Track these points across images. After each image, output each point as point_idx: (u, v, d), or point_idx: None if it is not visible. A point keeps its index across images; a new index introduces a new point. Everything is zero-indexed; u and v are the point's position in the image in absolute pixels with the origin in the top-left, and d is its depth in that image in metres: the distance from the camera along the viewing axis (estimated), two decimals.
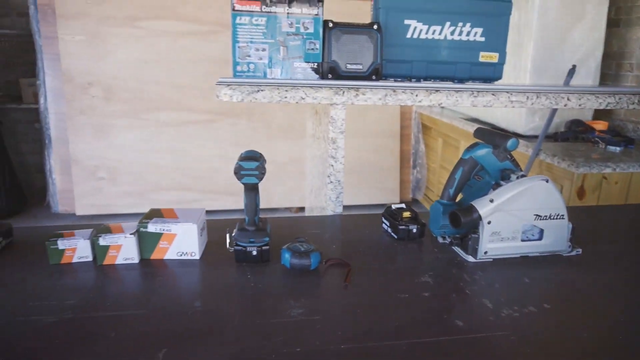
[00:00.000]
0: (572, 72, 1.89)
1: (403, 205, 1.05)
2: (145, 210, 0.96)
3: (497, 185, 0.92)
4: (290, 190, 3.14)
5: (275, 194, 3.11)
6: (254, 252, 0.88)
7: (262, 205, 0.85)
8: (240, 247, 0.88)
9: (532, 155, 1.86)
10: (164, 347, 0.64)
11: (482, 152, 0.95)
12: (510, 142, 0.92)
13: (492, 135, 0.97)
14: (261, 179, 0.84)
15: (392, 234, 1.02)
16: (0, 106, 3.33)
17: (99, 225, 0.93)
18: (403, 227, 0.99)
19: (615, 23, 2.23)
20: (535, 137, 2.02)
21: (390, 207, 1.06)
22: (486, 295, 0.79)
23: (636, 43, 2.15)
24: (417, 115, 3.25)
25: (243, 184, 0.85)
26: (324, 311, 0.73)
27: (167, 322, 0.70)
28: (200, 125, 3.13)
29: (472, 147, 0.97)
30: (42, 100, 3.06)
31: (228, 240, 0.91)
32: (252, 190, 0.86)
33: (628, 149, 1.90)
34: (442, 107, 3.12)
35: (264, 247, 0.88)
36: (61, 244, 0.88)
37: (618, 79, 2.24)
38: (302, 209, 3.21)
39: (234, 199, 3.04)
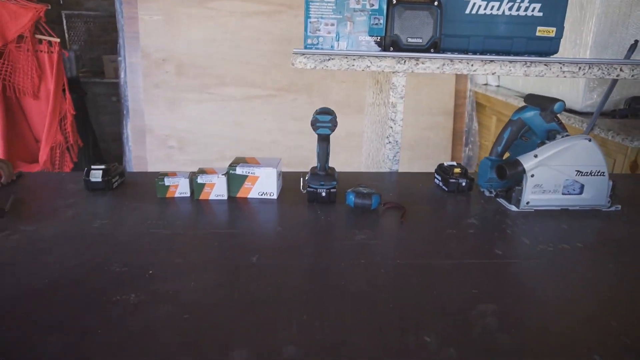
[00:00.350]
0: (633, 47, 1.89)
1: (454, 163, 1.17)
2: None
3: (543, 144, 1.02)
4: (345, 161, 3.28)
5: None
6: (324, 194, 1.03)
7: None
8: (312, 189, 1.04)
9: (586, 130, 1.89)
10: (256, 254, 0.81)
11: (530, 113, 1.05)
12: (557, 105, 1.02)
13: (541, 99, 1.06)
14: (333, 130, 0.99)
15: (444, 187, 1.15)
16: (85, 80, 3.68)
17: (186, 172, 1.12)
18: (453, 180, 1.12)
19: None
20: (592, 114, 2.04)
21: (443, 164, 1.18)
22: (525, 234, 0.91)
23: None
24: (471, 93, 3.28)
25: (317, 134, 1.00)
26: (382, 238, 0.88)
27: (255, 239, 0.87)
28: (262, 100, 3.33)
29: (521, 109, 1.07)
30: (122, 75, 3.37)
31: (302, 184, 1.07)
32: (324, 141, 1.01)
33: None
34: (498, 86, 3.13)
35: (332, 190, 1.03)
36: (167, 180, 1.08)
37: None
38: None
39: (291, 170, 3.24)
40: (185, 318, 0.62)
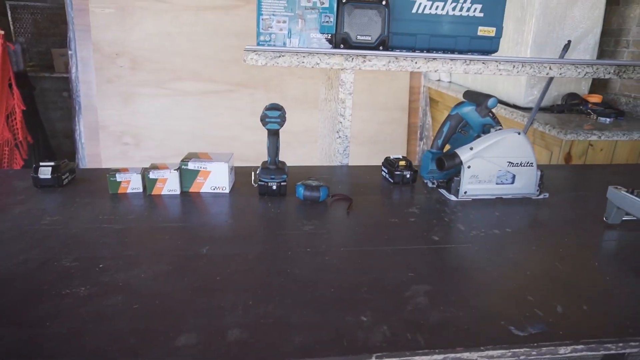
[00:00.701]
0: (566, 47, 2.02)
1: (400, 156, 1.24)
2: None
3: (478, 137, 1.10)
4: (303, 156, 3.33)
5: (289, 162, 3.32)
6: (274, 187, 1.07)
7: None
8: (262, 183, 1.07)
9: (527, 124, 2.02)
10: (206, 245, 0.84)
11: (467, 109, 1.13)
12: (490, 101, 1.10)
13: (477, 95, 1.14)
14: (282, 125, 1.03)
15: (389, 179, 1.21)
16: (34, 74, 3.55)
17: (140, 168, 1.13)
18: (398, 172, 1.18)
19: (615, 1, 2.34)
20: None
21: (389, 157, 1.25)
22: (461, 222, 0.98)
23: (633, 21, 2.26)
24: (425, 89, 3.40)
25: (267, 129, 1.04)
26: (329, 228, 0.93)
27: (206, 231, 0.90)
28: (219, 95, 3.32)
29: (459, 104, 1.15)
30: (73, 70, 3.27)
31: (253, 178, 1.10)
32: (274, 135, 1.05)
33: (618, 121, 2.04)
34: (450, 82, 3.26)
35: (282, 183, 1.07)
36: (119, 176, 1.09)
37: (615, 55, 2.36)
38: None
39: (250, 165, 3.25)
40: (136, 307, 0.65)
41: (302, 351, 0.57)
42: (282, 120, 1.02)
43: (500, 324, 0.63)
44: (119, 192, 1.09)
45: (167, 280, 0.72)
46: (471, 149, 1.06)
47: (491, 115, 1.13)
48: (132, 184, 1.09)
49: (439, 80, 3.33)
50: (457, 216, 1.01)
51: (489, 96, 1.11)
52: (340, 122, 1.35)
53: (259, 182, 1.08)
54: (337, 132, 1.36)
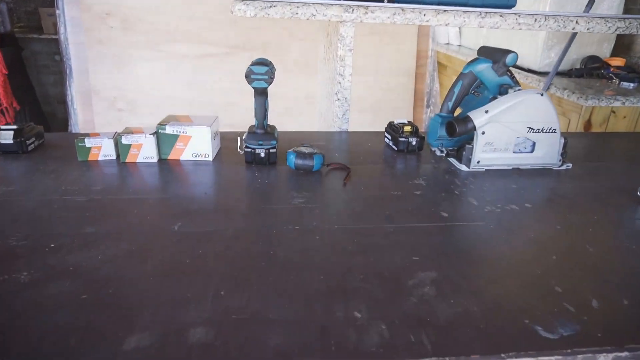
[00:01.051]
0: (591, 3, 1.84)
1: (405, 121, 1.10)
2: None
3: (494, 99, 0.97)
4: (304, 123, 3.18)
5: (288, 129, 3.17)
6: (262, 154, 0.95)
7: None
8: (249, 149, 0.95)
9: (544, 89, 1.86)
10: (179, 221, 0.72)
11: (482, 66, 0.99)
12: (510, 57, 0.95)
13: (493, 51, 1.00)
14: (270, 83, 0.90)
15: (393, 146, 1.08)
16: (22, 35, 3.39)
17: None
18: (403, 139, 1.05)
19: None
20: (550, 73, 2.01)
21: (393, 122, 1.11)
22: (473, 195, 0.86)
23: None
24: (433, 53, 3.21)
25: (253, 88, 0.90)
26: (322, 202, 0.81)
27: (182, 204, 0.79)
28: (217, 58, 3.15)
29: (473, 61, 1.00)
30: (62, 30, 3.10)
31: (239, 144, 0.98)
32: (261, 95, 0.92)
33: None
34: (459, 45, 3.08)
35: (271, 150, 0.95)
36: (88, 142, 0.96)
37: None
38: None
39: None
40: (84, 298, 0.54)
41: (278, 357, 0.46)
42: (270, 77, 0.89)
43: (524, 322, 0.52)
44: (89, 159, 0.98)
45: (126, 264, 0.61)
46: (486, 112, 0.93)
47: (509, 74, 0.99)
48: (104, 150, 0.97)
49: (447, 43, 3.14)
50: (469, 189, 0.89)
51: (507, 51, 0.97)
52: (340, 83, 1.21)
53: (245, 149, 0.96)
54: (336, 93, 1.23)
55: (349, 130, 1.30)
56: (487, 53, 1.00)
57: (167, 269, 0.60)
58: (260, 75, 0.88)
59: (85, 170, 0.92)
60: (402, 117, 3.26)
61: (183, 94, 3.18)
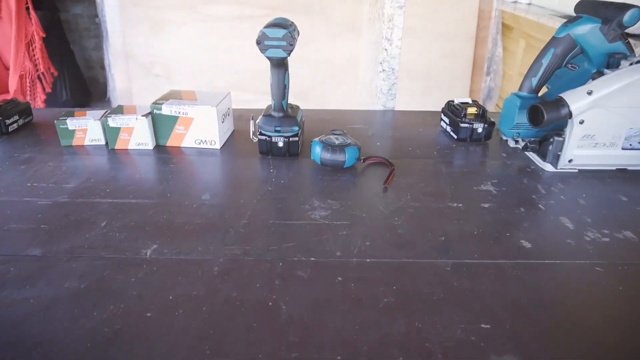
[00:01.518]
0: None
1: (468, 100, 0.85)
2: None
3: (600, 74, 0.70)
4: (347, 92, 2.91)
5: (332, 98, 2.90)
6: (280, 143, 0.74)
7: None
8: (264, 137, 0.74)
9: None
10: (154, 243, 0.53)
11: (585, 28, 0.71)
12: (629, 14, 0.68)
13: (601, 5, 0.72)
14: (289, 51, 0.67)
15: (452, 133, 0.84)
16: None
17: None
18: (466, 125, 0.81)
19: None
20: None
21: (452, 101, 0.86)
22: (566, 212, 0.61)
23: None
24: (497, 13, 2.82)
25: (267, 57, 0.69)
26: (352, 217, 0.59)
27: (167, 213, 0.60)
28: (256, 20, 2.92)
29: (571, 21, 0.73)
30: None
31: (252, 129, 0.77)
32: (278, 67, 0.70)
33: None
34: (529, 4, 2.68)
35: (291, 138, 0.74)
36: (71, 123, 0.79)
37: None
38: None
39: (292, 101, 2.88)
40: None
41: None
42: (289, 42, 0.66)
43: None
44: (73, 144, 0.80)
45: (60, 315, 0.43)
46: (589, 93, 0.66)
47: (624, 39, 0.71)
48: (90, 134, 0.80)
49: (515, 1, 2.74)
50: (558, 201, 0.64)
51: (624, 6, 0.69)
52: (386, 50, 0.96)
53: (259, 136, 0.75)
54: (381, 63, 0.98)
55: (395, 108, 1.06)
56: (593, 9, 0.72)
57: (117, 326, 0.41)
58: (276, 40, 0.66)
59: (65, 159, 0.75)
60: (457, 86, 2.92)
61: (221, 60, 2.99)
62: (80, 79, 3.31)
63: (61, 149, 0.79)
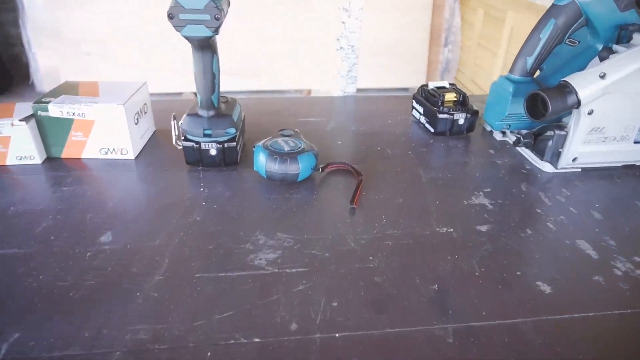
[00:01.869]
0: None
1: (445, 84, 0.70)
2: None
3: (609, 51, 0.56)
4: (305, 71, 2.69)
5: (288, 75, 2.66)
6: (212, 151, 0.56)
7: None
8: (190, 144, 0.56)
9: None
10: (16, 330, 0.36)
11: None
12: None
13: None
14: (216, 28, 0.49)
15: (428, 125, 0.69)
16: None
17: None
18: (444, 115, 0.66)
19: None
20: None
21: (426, 85, 0.71)
22: (582, 232, 0.48)
23: None
24: None
25: (185, 37, 0.50)
26: (313, 259, 0.44)
27: (44, 271, 0.41)
28: None
29: None
30: None
31: (174, 133, 0.59)
32: (203, 49, 0.52)
33: None
34: None
35: (227, 144, 0.56)
36: None
37: None
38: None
39: (240, 83, 2.63)
40: None
41: None
42: (214, 15, 0.48)
43: None
44: None
45: None
46: (602, 76, 0.53)
47: (638, 7, 0.57)
48: None
49: None
50: (569, 215, 0.51)
51: None
52: (344, 23, 0.79)
53: (184, 142, 0.57)
54: (338, 39, 0.81)
55: (356, 91, 0.89)
56: None
57: None
58: (196, 13, 0.48)
59: None
60: (415, 57, 2.77)
61: (162, 32, 2.66)
62: None
63: None
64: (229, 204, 0.51)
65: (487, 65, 2.34)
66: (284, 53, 2.48)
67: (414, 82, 2.82)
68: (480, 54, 2.45)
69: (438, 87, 0.70)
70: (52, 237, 0.46)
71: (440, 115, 0.66)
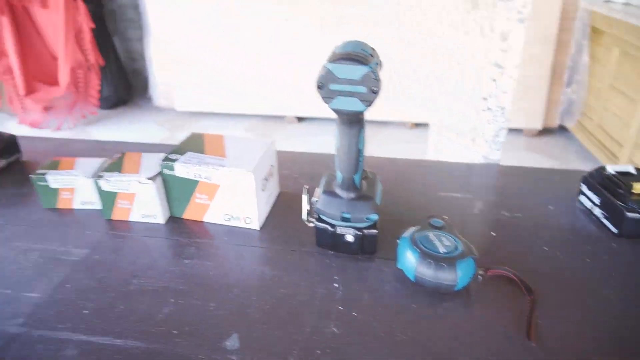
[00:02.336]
0: None
1: (630, 169, 0.56)
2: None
3: None
4: (408, 99, 2.56)
5: (385, 103, 2.55)
6: (349, 237, 0.48)
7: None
8: (324, 226, 0.48)
9: None
10: None
11: None
12: None
13: None
14: (370, 102, 0.41)
15: (607, 222, 0.55)
16: None
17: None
18: (635, 215, 0.52)
19: None
20: None
21: (604, 168, 0.58)
22: None
23: None
24: (585, 13, 2.42)
25: (334, 110, 0.43)
26: None
27: None
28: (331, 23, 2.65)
29: None
30: None
31: (305, 208, 0.51)
32: (351, 124, 0.44)
33: None
34: (626, 4, 2.27)
35: (367, 232, 0.48)
36: (53, 179, 0.56)
37: None
38: (419, 125, 2.70)
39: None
40: None
41: None
42: (370, 88, 0.40)
43: None
44: (58, 206, 0.58)
45: None
46: None
47: None
48: (80, 195, 0.57)
49: (608, 1, 2.34)
50: None
51: None
52: (495, 81, 0.68)
53: (316, 222, 0.49)
54: (485, 98, 0.70)
55: (500, 160, 0.77)
56: None
57: None
58: (350, 85, 0.40)
59: (35, 234, 0.53)
60: (533, 96, 2.53)
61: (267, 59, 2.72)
62: (121, 72, 3.17)
63: (41, 214, 0.56)
64: (370, 312, 0.42)
65: (622, 113, 2.07)
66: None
67: (530, 123, 2.59)
68: (613, 98, 2.18)
69: (620, 173, 0.56)
70: (175, 332, 0.40)
71: (630, 214, 0.52)
